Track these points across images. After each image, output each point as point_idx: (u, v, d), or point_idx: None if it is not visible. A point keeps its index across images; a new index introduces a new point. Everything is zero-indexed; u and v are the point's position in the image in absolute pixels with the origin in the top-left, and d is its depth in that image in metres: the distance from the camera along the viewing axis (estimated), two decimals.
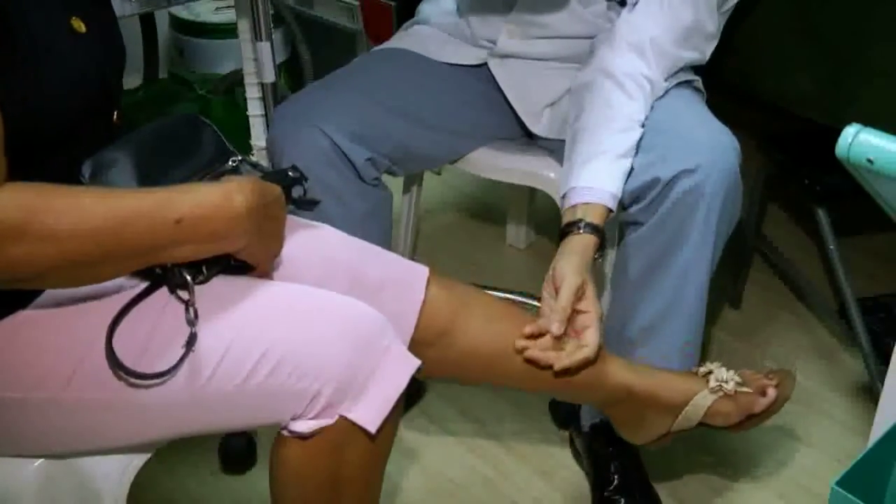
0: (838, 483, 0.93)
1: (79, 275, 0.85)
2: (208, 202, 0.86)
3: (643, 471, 1.51)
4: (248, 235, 0.90)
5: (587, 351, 1.20)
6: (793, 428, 1.68)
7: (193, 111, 2.20)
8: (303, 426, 0.94)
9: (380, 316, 0.98)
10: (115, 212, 0.82)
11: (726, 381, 1.26)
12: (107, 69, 0.98)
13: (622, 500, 1.47)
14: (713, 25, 1.39)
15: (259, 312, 0.95)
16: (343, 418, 0.94)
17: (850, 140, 0.85)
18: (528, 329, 1.19)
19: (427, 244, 2.18)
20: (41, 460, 0.95)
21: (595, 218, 1.27)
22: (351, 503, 1.03)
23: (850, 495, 0.92)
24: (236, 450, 1.59)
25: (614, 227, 1.49)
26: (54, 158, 0.88)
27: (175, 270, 0.91)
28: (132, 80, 2.41)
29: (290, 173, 1.02)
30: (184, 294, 0.92)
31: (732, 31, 1.45)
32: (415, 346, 1.06)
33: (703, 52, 1.42)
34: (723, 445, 1.64)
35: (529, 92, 1.51)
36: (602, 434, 1.53)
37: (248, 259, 0.95)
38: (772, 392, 1.27)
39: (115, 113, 1.00)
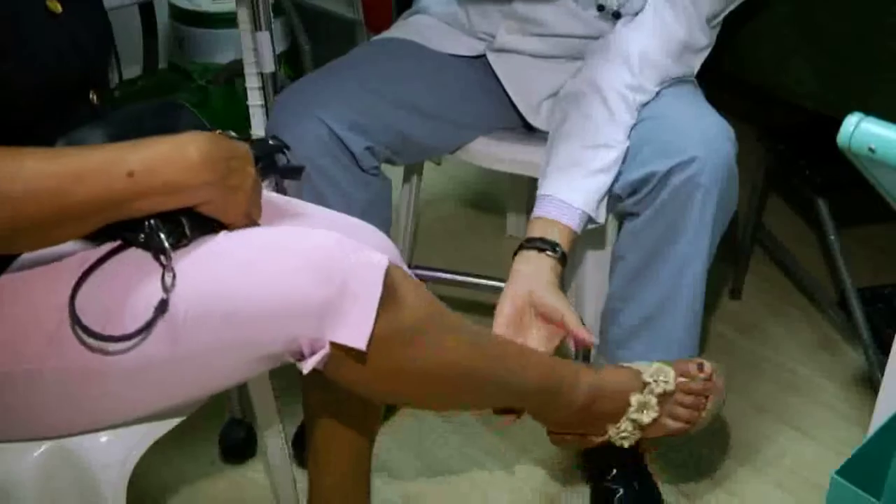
0: (838, 473, 0.93)
1: (39, 237, 0.85)
2: (159, 153, 0.85)
3: (641, 461, 1.52)
4: (210, 187, 0.88)
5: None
6: (793, 418, 1.68)
7: (192, 101, 2.21)
8: (306, 365, 0.93)
9: (333, 236, 0.95)
10: (65, 170, 0.82)
11: (664, 378, 1.22)
12: (87, 50, 0.97)
13: (620, 490, 1.47)
14: (706, 39, 1.40)
15: (217, 269, 0.92)
16: (333, 344, 0.92)
17: (851, 129, 0.84)
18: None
19: (427, 234, 2.17)
20: (41, 450, 0.95)
21: (564, 242, 1.30)
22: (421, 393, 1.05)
23: (850, 485, 0.92)
24: (236, 440, 1.60)
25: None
26: (27, 137, 0.87)
27: (156, 235, 0.90)
28: (131, 70, 2.41)
29: (270, 142, 1.01)
30: (163, 259, 0.90)
31: (733, 23, 1.45)
32: (377, 346, 0.95)
33: (693, 66, 1.43)
34: (722, 436, 1.64)
35: (528, 85, 1.51)
36: None
37: (217, 215, 0.92)
38: (708, 366, 1.24)
39: (95, 93, 1.00)
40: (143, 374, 0.92)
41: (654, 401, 1.20)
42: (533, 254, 1.29)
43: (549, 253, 1.29)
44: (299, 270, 0.91)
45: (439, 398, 1.10)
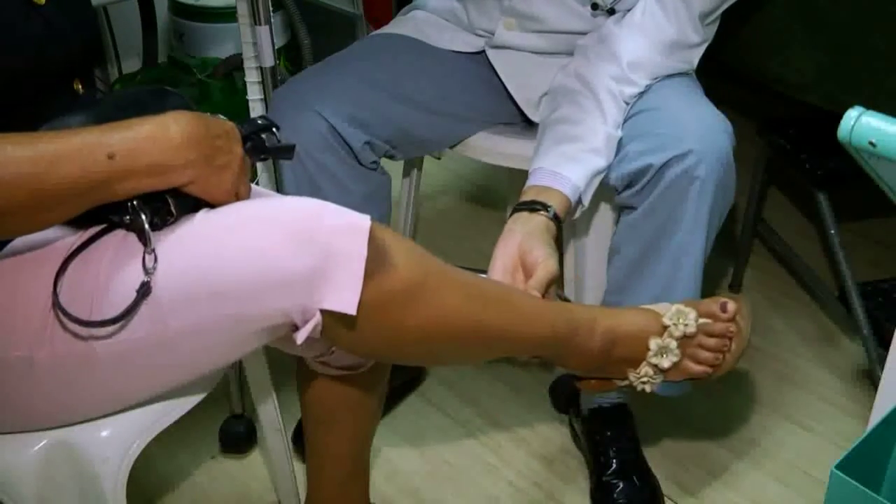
0: (838, 467, 0.93)
1: (19, 222, 0.84)
2: (141, 135, 0.84)
3: (641, 454, 1.52)
4: (194, 168, 0.88)
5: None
6: (792, 412, 1.69)
7: (192, 96, 2.20)
8: (300, 336, 0.92)
9: (312, 202, 0.93)
10: (41, 155, 0.81)
11: (683, 321, 1.17)
12: (69, 41, 0.97)
13: (620, 484, 1.47)
14: (699, 37, 1.40)
15: (198, 249, 0.91)
16: (324, 312, 0.90)
17: (852, 123, 0.84)
18: None
19: (427, 228, 2.18)
20: (41, 444, 0.95)
21: (557, 205, 1.27)
22: (415, 350, 1.02)
23: (849, 479, 0.92)
24: (236, 433, 1.60)
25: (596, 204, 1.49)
26: (8, 124, 0.86)
27: (138, 217, 0.89)
28: (131, 64, 2.40)
29: (259, 121, 1.00)
30: (144, 240, 0.89)
31: (734, 15, 1.44)
32: (371, 310, 0.93)
33: (690, 61, 1.43)
34: (721, 428, 1.65)
35: (528, 80, 1.50)
36: (600, 418, 1.53)
37: (202, 195, 0.91)
38: (731, 305, 1.18)
39: (79, 82, 0.99)
40: (135, 358, 0.91)
41: (673, 344, 1.15)
42: (525, 213, 1.27)
43: (541, 213, 1.26)
44: (279, 240, 0.89)
45: (447, 355, 1.08)
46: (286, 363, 1.25)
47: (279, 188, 1.48)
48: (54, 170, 0.81)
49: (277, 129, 1.01)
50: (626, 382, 1.19)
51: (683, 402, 1.62)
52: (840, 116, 0.86)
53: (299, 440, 1.49)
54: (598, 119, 1.33)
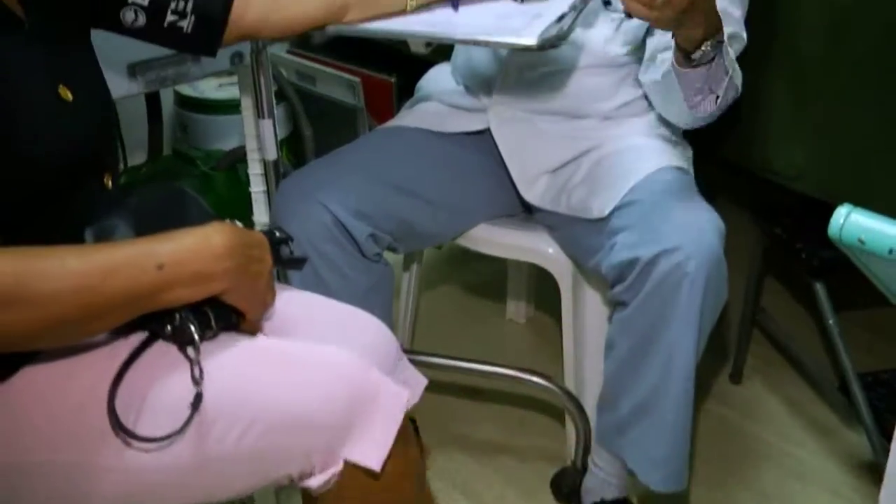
0: None
1: (70, 332, 0.87)
2: (187, 245, 0.88)
3: None
4: (232, 275, 0.90)
5: None
6: None
7: (196, 187, 2.23)
8: (314, 482, 0.96)
9: (363, 359, 0.99)
10: (95, 266, 0.83)
11: None
12: (96, 134, 1.01)
13: None
14: (739, 10, 1.39)
15: (248, 372, 0.95)
16: (347, 462, 0.95)
17: (841, 221, 0.85)
18: None
19: (427, 318, 2.17)
20: None
21: None
22: None
23: None
24: None
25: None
26: (45, 221, 0.90)
27: (185, 327, 0.91)
28: (136, 157, 2.43)
29: (276, 233, 1.04)
30: (191, 352, 0.92)
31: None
32: (391, 478, 1.00)
33: (740, 22, 1.39)
34: None
35: (529, 155, 1.51)
36: None
37: (237, 303, 0.94)
38: None
39: (108, 176, 1.03)
40: (164, 473, 0.93)
41: None
42: None
43: None
44: (327, 386, 0.95)
45: None
46: None
47: (281, 279, 1.49)
48: (107, 281, 0.84)
49: (292, 240, 1.05)
50: None
51: (685, 496, 1.60)
52: (833, 205, 0.87)
53: None
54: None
